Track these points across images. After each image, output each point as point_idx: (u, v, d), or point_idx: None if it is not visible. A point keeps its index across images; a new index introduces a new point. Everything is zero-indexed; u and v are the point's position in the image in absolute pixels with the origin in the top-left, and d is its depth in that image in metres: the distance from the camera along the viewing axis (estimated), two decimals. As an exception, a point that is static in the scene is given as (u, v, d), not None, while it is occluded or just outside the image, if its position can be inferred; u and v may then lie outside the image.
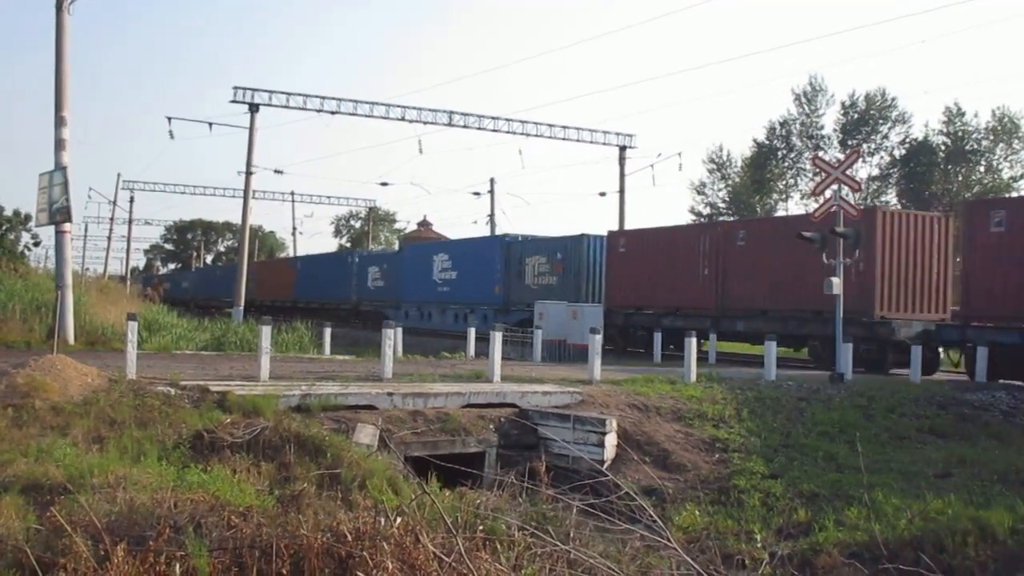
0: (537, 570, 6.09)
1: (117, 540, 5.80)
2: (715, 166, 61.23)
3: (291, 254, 78.41)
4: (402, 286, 39.31)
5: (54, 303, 17.50)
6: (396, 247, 73.50)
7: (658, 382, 15.01)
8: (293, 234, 73.78)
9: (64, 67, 18.76)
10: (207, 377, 12.89)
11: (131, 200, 62.90)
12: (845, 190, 17.43)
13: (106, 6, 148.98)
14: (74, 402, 9.96)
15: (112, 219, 61.93)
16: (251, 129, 34.27)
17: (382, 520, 6.31)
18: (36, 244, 42.71)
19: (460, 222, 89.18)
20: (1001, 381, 17.81)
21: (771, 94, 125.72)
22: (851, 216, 17.11)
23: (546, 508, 8.44)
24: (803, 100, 56.26)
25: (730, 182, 61.08)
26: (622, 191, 40.26)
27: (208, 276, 72.18)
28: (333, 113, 36.01)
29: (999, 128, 50.23)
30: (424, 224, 70.04)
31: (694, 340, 16.74)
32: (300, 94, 35.30)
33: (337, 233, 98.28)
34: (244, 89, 33.98)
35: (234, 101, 33.91)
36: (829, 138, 55.66)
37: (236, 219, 72.95)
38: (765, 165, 57.71)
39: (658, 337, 23.35)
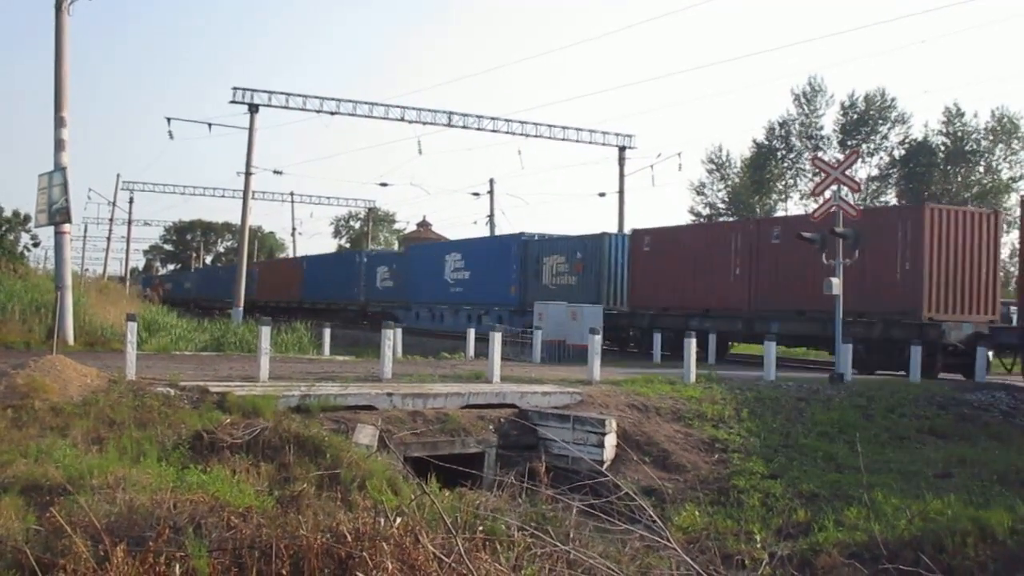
0: (537, 570, 6.09)
1: (117, 541, 5.79)
2: (715, 166, 61.32)
3: (290, 255, 78.37)
4: (412, 287, 38.50)
5: (53, 304, 17.50)
6: (395, 247, 73.59)
7: (658, 382, 15.00)
8: (292, 235, 73.92)
9: (63, 68, 18.76)
10: (206, 378, 12.89)
11: (130, 201, 63.02)
12: (844, 190, 17.42)
13: (106, 6, 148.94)
14: (74, 403, 9.96)
15: (111, 220, 61.89)
16: (250, 129, 34.31)
17: (382, 520, 6.31)
18: (36, 245, 42.80)
19: (460, 222, 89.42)
20: None
21: (771, 94, 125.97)
22: (850, 216, 17.11)
23: (546, 508, 8.44)
24: (802, 100, 56.36)
25: (730, 182, 61.13)
26: (621, 191, 40.29)
27: (211, 276, 71.58)
28: (332, 113, 36.04)
29: (998, 128, 50.31)
30: (424, 224, 70.06)
31: (693, 341, 16.71)
32: (299, 94, 35.38)
33: (336, 234, 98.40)
34: (243, 90, 34.03)
35: (233, 101, 33.97)
36: (828, 138, 55.78)
37: (236, 220, 73.15)
38: (764, 165, 57.77)
39: (657, 338, 23.22)
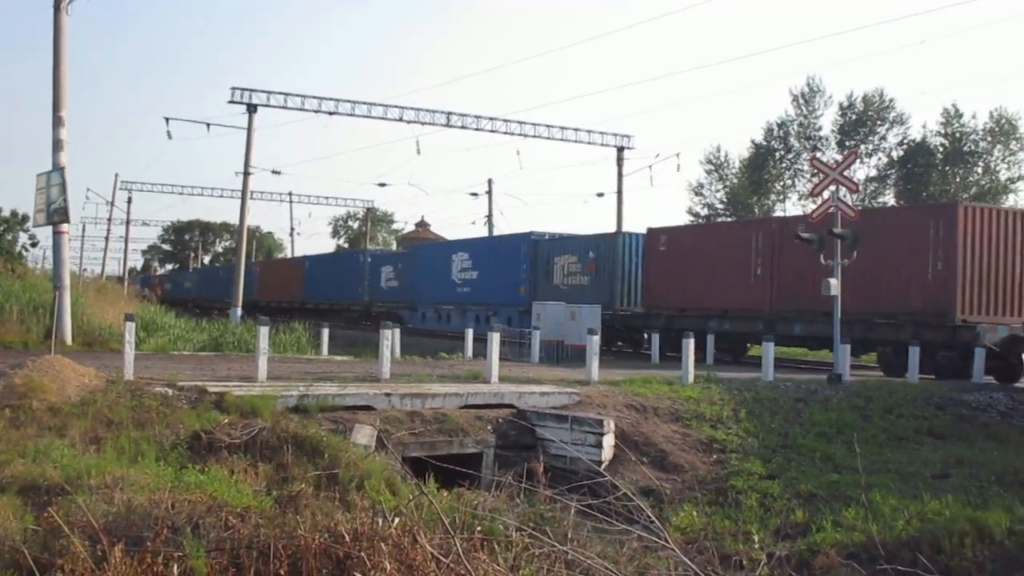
0: (535, 571, 6.09)
1: (115, 541, 5.79)
2: (713, 167, 61.28)
3: (289, 255, 78.26)
4: (418, 286, 37.78)
5: (51, 304, 17.50)
6: (393, 247, 73.53)
7: (656, 383, 15.02)
8: (291, 235, 73.79)
9: (62, 68, 18.75)
10: (205, 378, 12.89)
11: (129, 201, 62.82)
12: (843, 191, 17.42)
13: (105, 6, 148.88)
14: (72, 403, 9.96)
15: (110, 219, 61.97)
16: (249, 129, 34.23)
17: (380, 521, 6.31)
18: (34, 245, 42.84)
19: (458, 223, 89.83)
20: None
21: (769, 95, 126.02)
22: (849, 217, 17.12)
23: (544, 509, 8.46)
24: (801, 101, 56.33)
25: (728, 183, 61.12)
26: (620, 192, 40.24)
27: (211, 276, 70.49)
28: (331, 114, 35.95)
29: (997, 129, 50.32)
30: (422, 225, 70.08)
31: (692, 341, 16.71)
32: (298, 94, 35.27)
33: (335, 234, 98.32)
34: (242, 90, 33.95)
35: (232, 101, 33.87)
36: (827, 139, 55.75)
37: (234, 220, 73.15)
38: (763, 166, 57.77)
39: (656, 338, 23.26)
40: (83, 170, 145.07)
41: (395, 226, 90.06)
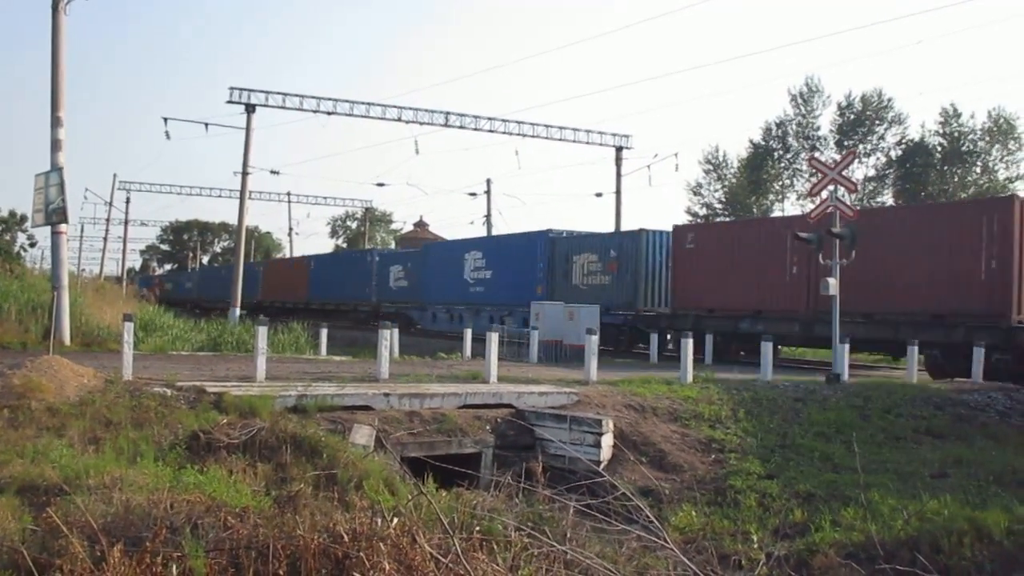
0: (534, 571, 6.09)
1: (113, 541, 5.79)
2: (711, 167, 61.30)
3: (287, 255, 78.19)
4: (428, 286, 36.84)
5: (50, 304, 17.49)
6: (392, 247, 73.44)
7: (654, 383, 15.02)
8: (289, 235, 73.73)
9: (60, 68, 18.73)
10: (203, 378, 12.88)
11: (127, 201, 62.79)
12: (841, 191, 17.43)
13: (104, 6, 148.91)
14: (70, 403, 9.95)
15: (108, 220, 61.84)
16: (247, 130, 34.25)
17: (379, 521, 6.31)
18: (32, 245, 42.87)
19: (457, 223, 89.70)
20: None
21: (768, 95, 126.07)
22: (847, 217, 17.13)
23: (543, 508, 8.46)
24: (799, 101, 56.39)
25: (726, 183, 61.14)
26: (619, 192, 40.27)
27: (212, 276, 68.98)
28: (329, 114, 35.98)
29: (995, 129, 50.35)
30: (420, 225, 70.16)
31: (691, 342, 16.72)
32: (296, 95, 35.29)
33: (333, 234, 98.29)
34: (240, 90, 33.97)
35: (230, 102, 33.90)
36: (825, 139, 55.78)
37: (232, 220, 72.97)
38: (761, 166, 57.80)
39: (654, 338, 23.23)
40: (82, 170, 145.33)
41: (393, 226, 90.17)
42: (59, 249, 18.61)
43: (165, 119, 36.81)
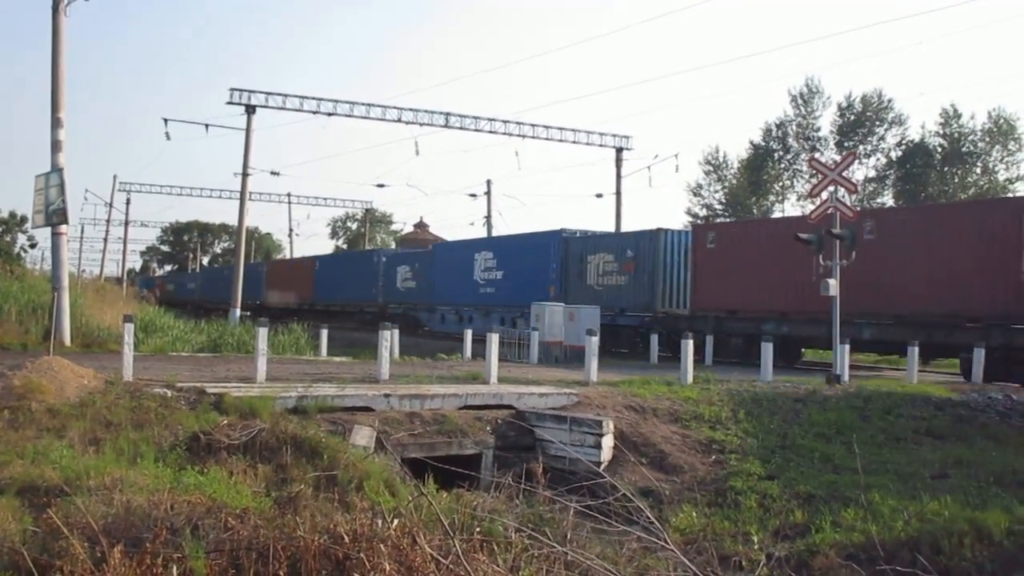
0: (534, 572, 6.09)
1: (114, 542, 5.79)
2: (711, 168, 61.30)
3: (288, 255, 78.18)
4: (437, 287, 36.25)
5: (50, 305, 17.49)
6: (392, 247, 73.44)
7: (655, 384, 15.03)
8: (289, 236, 73.74)
9: (60, 69, 18.74)
10: (203, 379, 12.88)
11: (127, 202, 62.78)
12: (841, 192, 17.43)
13: (104, 7, 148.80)
14: (70, 404, 9.95)
15: (108, 221, 61.88)
16: (247, 131, 34.24)
17: (379, 522, 6.31)
18: (32, 246, 42.86)
19: (457, 223, 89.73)
20: None
21: (768, 96, 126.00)
22: (847, 218, 17.13)
23: (543, 509, 8.45)
24: (799, 101, 56.37)
25: (727, 184, 61.13)
26: (619, 193, 40.28)
27: (215, 277, 68.10)
28: (329, 115, 35.98)
29: (995, 130, 50.35)
30: (421, 225, 70.13)
31: (690, 343, 16.72)
32: (296, 95, 35.28)
33: (333, 235, 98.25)
34: (240, 91, 33.97)
35: (231, 102, 33.90)
36: (825, 140, 55.78)
37: (232, 221, 73.04)
38: (762, 167, 57.79)
39: (654, 339, 23.22)
40: (82, 171, 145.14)
41: (394, 227, 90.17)
42: (59, 250, 18.62)
43: (165, 120, 36.91)
